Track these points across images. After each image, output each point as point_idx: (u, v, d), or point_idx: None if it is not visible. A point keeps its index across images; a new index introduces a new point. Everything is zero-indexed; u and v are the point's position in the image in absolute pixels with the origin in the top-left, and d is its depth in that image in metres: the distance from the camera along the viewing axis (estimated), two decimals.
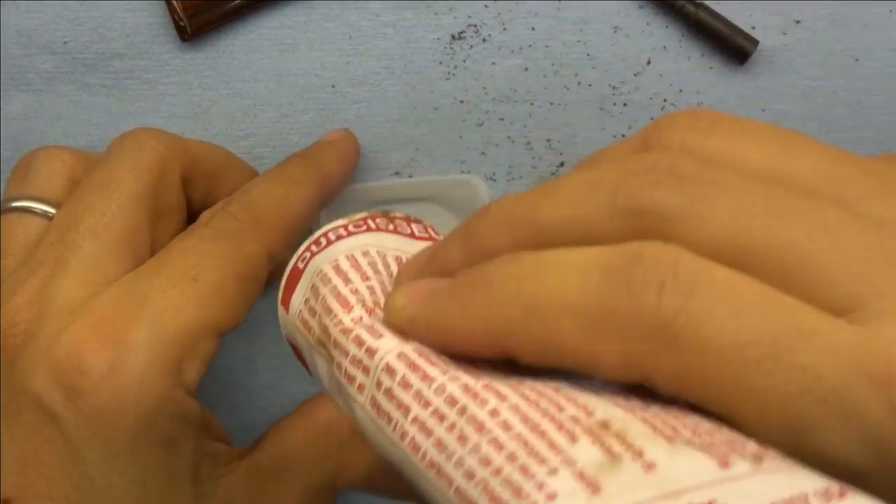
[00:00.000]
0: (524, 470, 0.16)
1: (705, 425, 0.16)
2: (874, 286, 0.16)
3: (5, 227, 0.30)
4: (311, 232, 0.25)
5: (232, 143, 0.36)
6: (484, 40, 0.36)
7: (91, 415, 0.26)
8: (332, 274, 0.23)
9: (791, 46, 0.36)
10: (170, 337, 0.27)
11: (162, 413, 0.26)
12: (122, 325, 0.26)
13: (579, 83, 0.36)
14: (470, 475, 0.17)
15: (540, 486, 0.15)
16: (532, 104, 0.36)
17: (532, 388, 0.18)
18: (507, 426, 0.17)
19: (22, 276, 0.28)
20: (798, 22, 0.35)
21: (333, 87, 0.36)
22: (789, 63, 0.36)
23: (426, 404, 0.18)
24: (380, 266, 0.23)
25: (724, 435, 0.16)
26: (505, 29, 0.36)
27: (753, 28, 0.35)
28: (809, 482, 0.15)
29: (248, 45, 0.36)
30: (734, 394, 0.16)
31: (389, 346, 0.20)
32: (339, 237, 0.24)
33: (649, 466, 0.15)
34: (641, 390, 0.18)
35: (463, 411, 0.18)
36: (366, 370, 0.20)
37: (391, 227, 0.25)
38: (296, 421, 0.31)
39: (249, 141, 0.37)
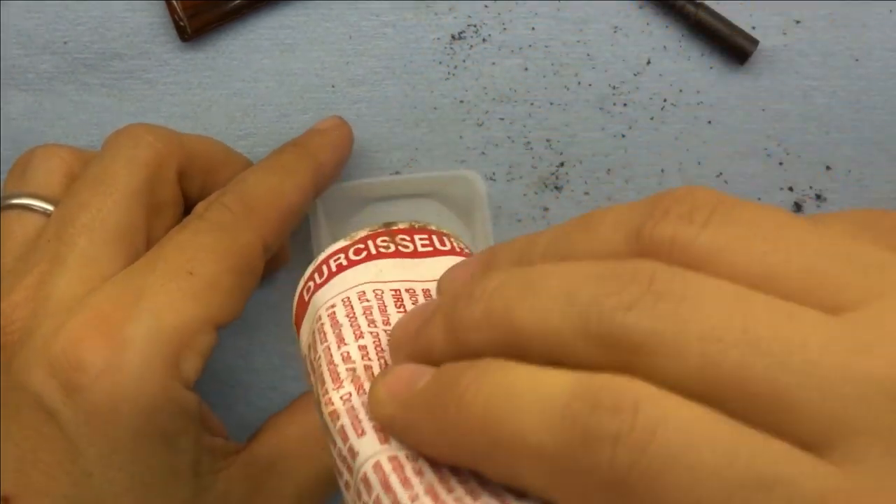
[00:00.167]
0: None
1: None
2: (848, 425, 0.16)
3: (4, 225, 0.30)
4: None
5: (232, 143, 0.36)
6: (484, 40, 0.36)
7: (89, 411, 0.26)
8: (328, 327, 0.23)
9: (791, 46, 0.36)
10: (167, 332, 0.27)
11: (160, 408, 0.26)
12: (119, 322, 0.26)
13: (579, 83, 0.36)
14: None
15: None
16: (532, 104, 0.36)
17: None
18: None
19: (19, 273, 0.28)
20: (798, 22, 0.36)
21: (333, 87, 0.36)
22: (789, 63, 0.36)
23: None
24: (375, 312, 0.24)
25: None
26: (505, 29, 0.36)
27: (753, 28, 0.35)
28: None
29: (248, 45, 0.36)
30: None
31: (368, 453, 0.21)
32: (339, 268, 0.24)
33: None
34: None
35: None
36: (349, 469, 0.21)
37: (392, 247, 0.25)
38: (291, 416, 0.31)
39: (249, 141, 0.37)
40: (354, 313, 0.24)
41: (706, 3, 0.35)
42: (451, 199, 0.36)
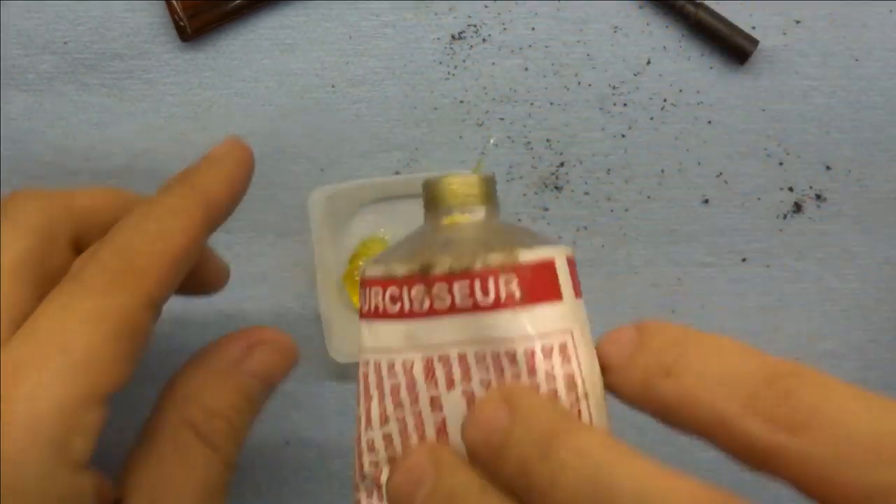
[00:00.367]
0: None
1: None
2: None
3: None
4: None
5: None
6: (484, 40, 0.36)
7: None
8: (361, 389, 0.24)
9: (791, 46, 0.36)
10: (48, 416, 0.24)
11: (51, 496, 0.24)
12: None
13: (579, 83, 0.36)
14: None
15: None
16: (532, 104, 0.36)
17: None
18: None
19: None
20: (798, 22, 0.36)
21: (333, 87, 0.36)
22: (789, 63, 0.36)
23: None
24: (403, 393, 0.24)
25: None
26: (505, 29, 0.36)
27: (753, 28, 0.35)
28: None
29: (247, 45, 0.36)
30: None
31: None
32: (375, 312, 0.24)
33: None
34: None
35: None
36: None
37: (427, 303, 0.23)
38: (152, 458, 0.29)
39: (249, 141, 0.37)
40: (384, 391, 0.24)
41: (706, 3, 0.35)
42: None
